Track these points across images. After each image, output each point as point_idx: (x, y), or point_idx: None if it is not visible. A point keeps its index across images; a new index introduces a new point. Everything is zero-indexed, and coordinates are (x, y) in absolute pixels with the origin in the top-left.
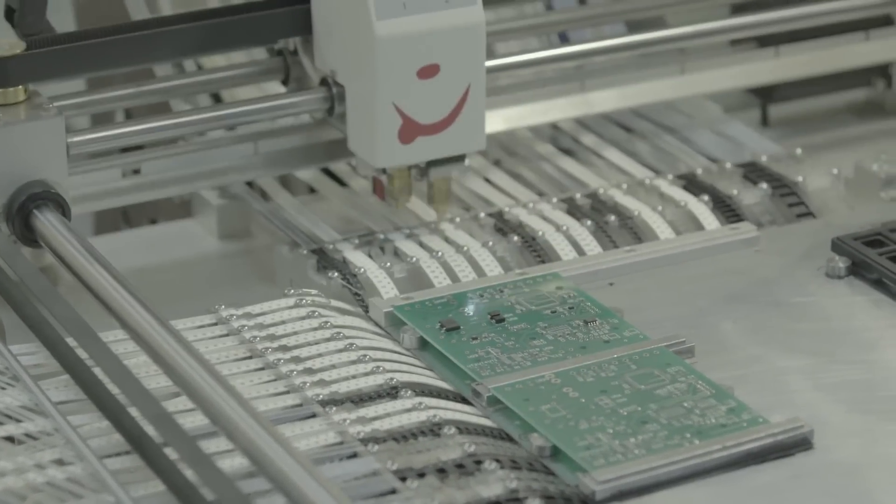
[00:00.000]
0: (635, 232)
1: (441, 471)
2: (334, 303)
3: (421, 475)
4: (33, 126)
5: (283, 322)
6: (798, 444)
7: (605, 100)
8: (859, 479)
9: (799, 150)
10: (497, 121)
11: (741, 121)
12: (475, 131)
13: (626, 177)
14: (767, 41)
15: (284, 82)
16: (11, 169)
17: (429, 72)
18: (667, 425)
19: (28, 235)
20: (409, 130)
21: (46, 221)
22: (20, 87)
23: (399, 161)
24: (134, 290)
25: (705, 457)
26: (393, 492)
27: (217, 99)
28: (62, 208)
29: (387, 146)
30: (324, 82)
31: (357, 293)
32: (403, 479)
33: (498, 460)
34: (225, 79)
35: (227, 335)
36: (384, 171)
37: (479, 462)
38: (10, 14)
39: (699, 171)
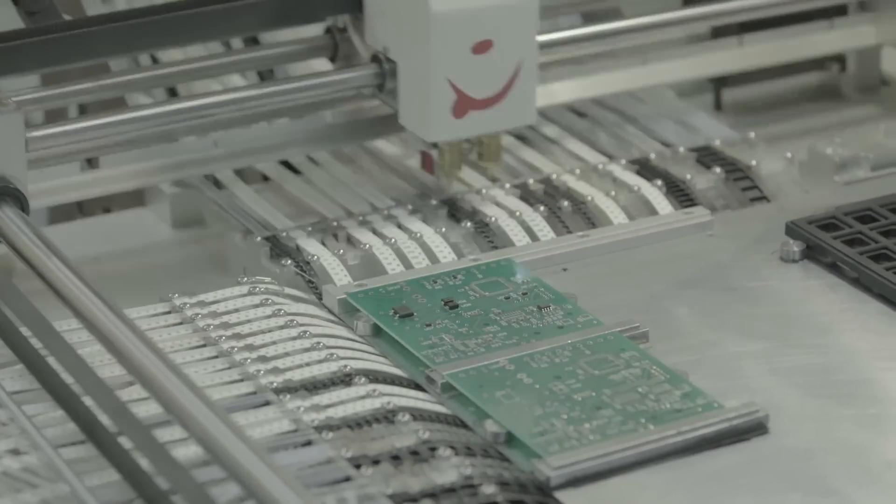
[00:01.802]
0: (589, 217)
1: (395, 458)
2: (288, 290)
3: (375, 462)
4: None
5: (236, 310)
6: (753, 429)
7: (566, 90)
8: (815, 464)
9: (752, 135)
10: None
11: (695, 105)
12: (526, 106)
13: (580, 162)
14: (729, 31)
15: (332, 59)
16: None
17: (482, 47)
18: (621, 411)
19: None
20: (463, 105)
21: (5, 216)
22: None
23: (452, 135)
24: (90, 281)
25: (660, 442)
26: (347, 479)
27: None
28: (20, 203)
29: (440, 121)
30: (374, 59)
31: (310, 280)
32: (358, 467)
33: (452, 447)
34: (273, 56)
35: (180, 323)
36: (435, 145)
37: (433, 449)
38: None
39: (652, 156)
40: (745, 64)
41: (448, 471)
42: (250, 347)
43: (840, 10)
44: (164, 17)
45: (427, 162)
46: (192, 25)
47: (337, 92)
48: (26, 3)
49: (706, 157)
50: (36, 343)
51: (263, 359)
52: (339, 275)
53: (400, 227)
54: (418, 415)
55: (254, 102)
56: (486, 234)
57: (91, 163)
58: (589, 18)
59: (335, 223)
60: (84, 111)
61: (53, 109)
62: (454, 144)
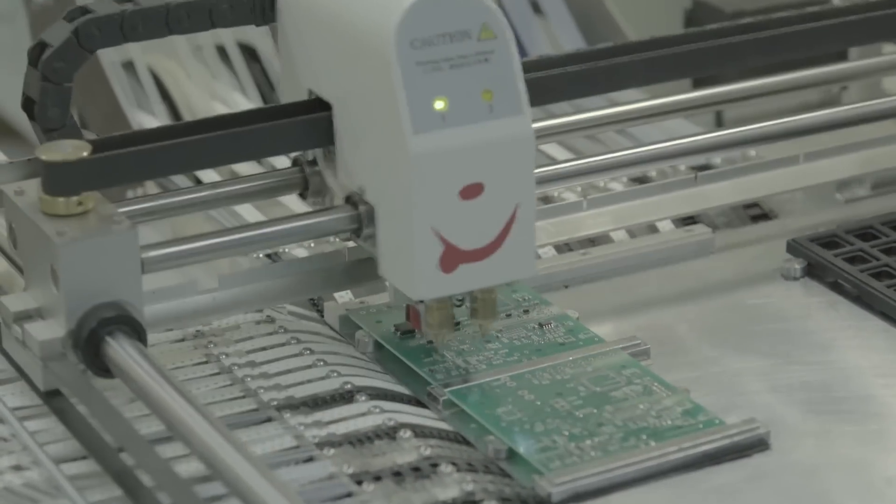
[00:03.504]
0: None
1: (397, 474)
2: (289, 308)
3: (377, 479)
4: (104, 241)
5: (238, 327)
6: (754, 445)
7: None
8: (816, 480)
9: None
10: None
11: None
12: (525, 256)
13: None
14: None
15: (302, 195)
16: (81, 289)
17: (472, 192)
18: (623, 427)
19: (98, 364)
20: (451, 257)
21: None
22: (84, 195)
23: (440, 292)
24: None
25: (661, 458)
26: (349, 495)
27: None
28: (138, 333)
29: (426, 275)
30: (348, 200)
31: (311, 298)
32: (359, 483)
33: (454, 463)
34: (239, 192)
35: (182, 340)
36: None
37: (435, 465)
38: (28, 106)
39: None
40: None
41: (450, 487)
42: (252, 364)
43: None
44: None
45: (413, 316)
46: (163, 156)
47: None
48: (45, 121)
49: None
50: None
51: (265, 375)
52: (340, 292)
53: None
54: (420, 431)
55: (227, 247)
56: None
57: None
58: (584, 26)
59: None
60: None
61: None
62: (443, 301)
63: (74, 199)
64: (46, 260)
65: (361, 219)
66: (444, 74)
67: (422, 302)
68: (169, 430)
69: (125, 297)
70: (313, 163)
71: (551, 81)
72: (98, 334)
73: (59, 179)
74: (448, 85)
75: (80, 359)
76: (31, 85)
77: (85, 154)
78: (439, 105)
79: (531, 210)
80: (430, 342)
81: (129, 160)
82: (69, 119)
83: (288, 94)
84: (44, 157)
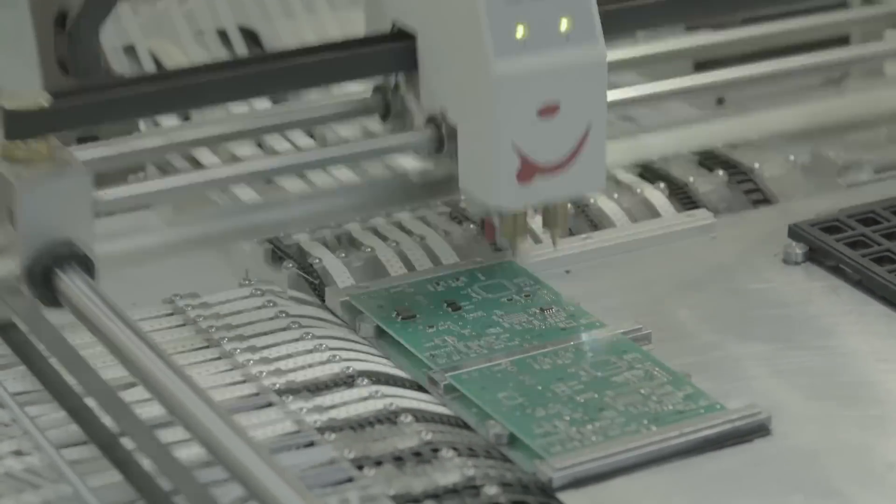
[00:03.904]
0: (591, 219)
1: (398, 459)
2: (290, 292)
3: (378, 463)
4: (58, 183)
5: (239, 312)
6: (756, 431)
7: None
8: (817, 465)
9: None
10: None
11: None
12: (595, 171)
13: None
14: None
15: (383, 118)
16: (36, 228)
17: (549, 110)
18: (624, 412)
19: (48, 296)
20: (528, 171)
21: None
22: (43, 140)
23: (517, 203)
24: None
25: (663, 443)
26: (350, 480)
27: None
28: (88, 269)
29: (504, 187)
30: (430, 120)
31: (313, 283)
32: (360, 468)
33: (455, 448)
34: (321, 116)
35: (183, 325)
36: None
37: (435, 450)
38: (63, 62)
39: (655, 158)
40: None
41: (451, 472)
42: (253, 349)
43: None
44: (212, 77)
45: (488, 228)
46: (239, 83)
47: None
48: (80, 73)
49: (709, 159)
50: (38, 344)
51: (266, 360)
52: (341, 277)
53: (402, 229)
54: (421, 416)
55: (310, 163)
56: None
57: None
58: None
59: (338, 225)
60: None
61: None
62: (517, 212)
63: (34, 144)
64: (4, 201)
65: (443, 137)
66: (525, 3)
67: (498, 214)
68: (113, 354)
69: (78, 237)
70: (395, 89)
71: (624, 12)
72: (50, 269)
73: (18, 126)
74: (528, 13)
75: (34, 292)
76: (60, 44)
77: (44, 103)
78: (520, 31)
79: (602, 129)
80: (431, 326)
81: (86, 106)
82: (101, 70)
83: (371, 24)
84: (6, 106)
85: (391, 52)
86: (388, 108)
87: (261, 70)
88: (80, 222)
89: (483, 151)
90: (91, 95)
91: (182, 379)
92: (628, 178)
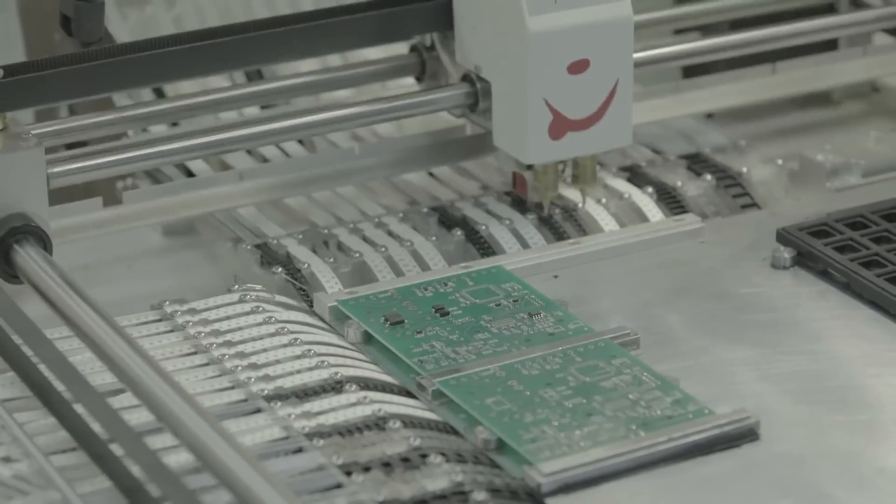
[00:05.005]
0: (579, 224)
1: (386, 465)
2: (279, 298)
3: (366, 469)
4: (12, 157)
5: (227, 318)
6: (744, 436)
7: None
8: (806, 470)
9: (743, 142)
10: None
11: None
12: (623, 126)
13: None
14: (763, 58)
15: (419, 78)
16: None
17: (579, 67)
18: (612, 417)
19: (8, 271)
20: (560, 126)
21: (28, 257)
22: None
23: (549, 157)
24: (80, 289)
25: (651, 449)
26: (338, 486)
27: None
28: (43, 242)
29: (537, 142)
30: (465, 78)
31: (301, 288)
32: (349, 474)
33: (443, 454)
34: (359, 75)
35: (171, 331)
36: (529, 166)
37: (424, 456)
38: (66, 23)
39: (643, 163)
40: (779, 92)
41: (439, 478)
42: (241, 355)
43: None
44: (254, 36)
45: (520, 183)
46: (275, 44)
47: (427, 111)
48: (82, 35)
49: (697, 164)
50: (27, 350)
51: (254, 366)
52: (329, 282)
53: (391, 234)
54: (409, 422)
55: (346, 121)
56: (477, 241)
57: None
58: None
59: (326, 231)
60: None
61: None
62: (550, 166)
63: None
64: None
65: (478, 95)
66: None
67: (530, 167)
68: (67, 325)
69: (33, 210)
70: (431, 48)
71: None
72: (6, 242)
73: None
74: None
75: None
76: (66, 3)
77: None
78: None
79: (629, 85)
80: (420, 332)
81: (35, 82)
82: (104, 32)
83: None
84: None
85: (428, 10)
86: (424, 68)
87: (295, 30)
88: (35, 196)
89: (517, 107)
90: (45, 71)
91: (170, 385)
92: (616, 182)
